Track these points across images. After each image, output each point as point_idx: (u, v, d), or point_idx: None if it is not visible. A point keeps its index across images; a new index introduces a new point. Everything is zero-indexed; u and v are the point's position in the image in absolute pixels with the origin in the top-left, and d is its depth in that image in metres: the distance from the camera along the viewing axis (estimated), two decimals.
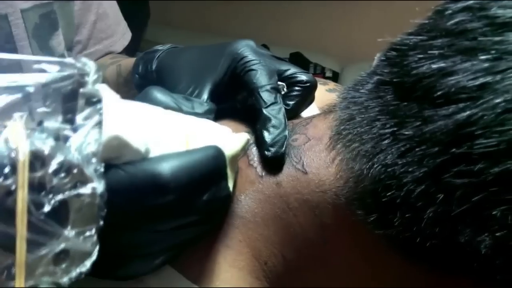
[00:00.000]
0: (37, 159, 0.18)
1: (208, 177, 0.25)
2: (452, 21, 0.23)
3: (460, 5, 0.24)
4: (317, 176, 0.28)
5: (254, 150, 0.31)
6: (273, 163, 0.30)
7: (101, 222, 0.20)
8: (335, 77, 1.20)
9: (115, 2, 0.68)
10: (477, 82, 0.21)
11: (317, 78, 0.48)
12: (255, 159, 0.30)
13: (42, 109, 0.20)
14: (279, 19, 1.25)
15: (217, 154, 0.25)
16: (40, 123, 0.19)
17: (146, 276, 0.27)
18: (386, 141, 0.24)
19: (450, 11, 0.24)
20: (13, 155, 0.17)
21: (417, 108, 0.23)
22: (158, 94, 0.29)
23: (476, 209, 0.21)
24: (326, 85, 0.46)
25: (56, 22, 0.55)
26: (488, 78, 0.21)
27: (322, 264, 0.29)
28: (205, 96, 0.32)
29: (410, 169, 0.23)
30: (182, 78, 0.34)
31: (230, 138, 0.27)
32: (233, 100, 0.35)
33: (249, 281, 0.29)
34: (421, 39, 0.25)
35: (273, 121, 0.30)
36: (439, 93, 0.22)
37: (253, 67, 0.32)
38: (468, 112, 0.21)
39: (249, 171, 0.30)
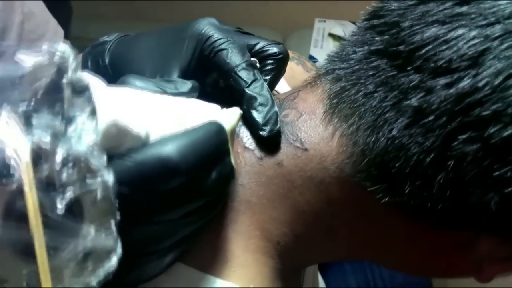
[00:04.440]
0: (40, 157, 0.16)
1: (214, 154, 0.24)
2: None
3: None
4: (318, 152, 0.27)
5: (247, 134, 0.30)
6: (270, 142, 0.29)
7: (118, 215, 0.19)
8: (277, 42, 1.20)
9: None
10: (478, 49, 0.21)
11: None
12: (250, 141, 0.29)
13: (24, 104, 0.18)
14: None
15: (219, 130, 0.24)
16: (27, 119, 0.18)
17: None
18: (388, 114, 0.24)
19: None
20: (12, 155, 0.15)
21: (418, 79, 0.23)
22: (137, 81, 0.26)
23: (485, 172, 0.22)
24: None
25: None
26: (488, 44, 0.21)
27: (331, 236, 0.29)
28: None
29: (418, 140, 0.23)
30: (144, 68, 0.31)
31: (224, 113, 0.26)
32: (203, 84, 0.33)
33: (263, 262, 0.29)
34: (410, 4, 0.25)
35: (259, 99, 0.29)
36: (439, 62, 0.22)
37: (222, 46, 0.30)
38: (471, 80, 0.21)
39: (247, 154, 0.29)
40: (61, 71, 0.19)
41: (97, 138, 0.19)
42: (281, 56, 0.32)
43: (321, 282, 0.61)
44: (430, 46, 0.23)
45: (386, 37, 0.25)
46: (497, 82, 0.21)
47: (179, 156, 0.21)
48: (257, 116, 0.29)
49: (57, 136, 0.17)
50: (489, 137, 0.21)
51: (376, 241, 0.29)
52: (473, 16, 0.22)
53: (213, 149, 0.23)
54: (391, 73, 0.24)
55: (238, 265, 0.28)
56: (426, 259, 0.29)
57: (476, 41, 0.22)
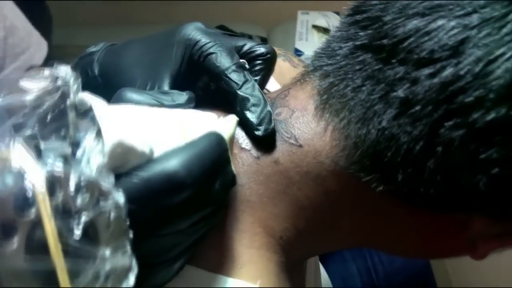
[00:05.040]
0: (54, 184, 0.16)
1: (217, 165, 0.24)
2: None
3: None
4: (312, 147, 0.28)
5: (242, 134, 0.30)
6: (266, 141, 0.29)
7: (131, 234, 0.19)
8: (263, 42, 1.20)
9: (20, 12, 0.61)
10: (457, 38, 0.22)
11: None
12: (246, 141, 0.30)
13: (32, 131, 0.18)
14: None
15: (219, 140, 0.25)
16: (36, 146, 0.18)
17: None
18: (377, 106, 0.25)
19: None
20: (29, 186, 0.15)
21: (402, 71, 0.24)
22: (134, 94, 0.27)
23: (472, 155, 0.22)
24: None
25: None
26: (467, 33, 0.22)
27: (331, 227, 0.30)
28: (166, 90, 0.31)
29: (407, 129, 0.23)
30: (135, 76, 0.31)
31: (221, 122, 0.27)
32: (194, 88, 0.33)
33: (268, 257, 0.29)
34: None
35: (252, 100, 0.29)
36: (421, 54, 0.23)
37: (211, 50, 0.30)
38: (453, 69, 0.22)
39: (244, 154, 0.30)
40: (64, 94, 0.19)
41: (104, 160, 0.19)
42: (269, 56, 0.33)
43: (322, 271, 0.62)
44: (412, 39, 0.23)
45: (370, 31, 0.26)
46: (477, 69, 0.22)
47: (185, 170, 0.22)
48: (251, 116, 0.29)
49: (68, 162, 0.17)
50: (473, 122, 0.22)
51: (374, 228, 0.30)
52: (451, 7, 0.23)
53: (215, 160, 0.24)
54: (376, 67, 0.25)
55: (244, 262, 0.28)
56: (423, 242, 0.30)
57: (455, 31, 0.22)
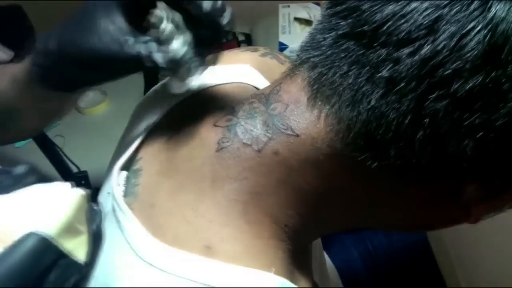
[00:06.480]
0: None
1: (37, 270, 0.24)
2: None
3: None
4: (308, 135, 0.30)
5: (242, 130, 0.31)
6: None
7: None
8: (247, 38, 1.21)
9: None
10: (431, 17, 0.24)
11: (247, 47, 0.48)
12: (248, 136, 0.31)
13: None
14: None
15: (37, 244, 0.25)
16: None
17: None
18: (364, 88, 0.26)
19: None
20: None
21: (385, 53, 0.25)
22: None
23: (457, 122, 0.24)
24: (258, 51, 0.46)
25: None
26: (439, 12, 0.24)
27: (331, 207, 0.32)
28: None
29: (394, 106, 0.25)
30: None
31: (59, 206, 0.26)
32: None
33: (277, 245, 0.31)
34: None
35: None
36: (400, 35, 0.25)
37: None
38: (431, 45, 0.24)
39: (246, 149, 0.31)
40: None
41: None
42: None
43: (326, 257, 0.64)
44: (390, 22, 0.25)
45: (350, 20, 0.27)
46: (452, 43, 0.23)
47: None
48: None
49: None
50: (454, 92, 0.24)
51: (373, 205, 0.32)
52: None
53: (34, 267, 0.24)
54: (360, 52, 0.27)
55: (256, 253, 0.30)
56: (420, 214, 0.32)
57: (429, 11, 0.24)
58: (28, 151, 1.03)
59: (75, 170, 0.99)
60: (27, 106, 0.38)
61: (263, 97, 0.32)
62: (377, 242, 0.75)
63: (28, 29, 1.17)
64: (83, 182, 1.00)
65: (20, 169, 0.27)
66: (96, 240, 0.30)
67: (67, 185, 0.27)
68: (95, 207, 0.32)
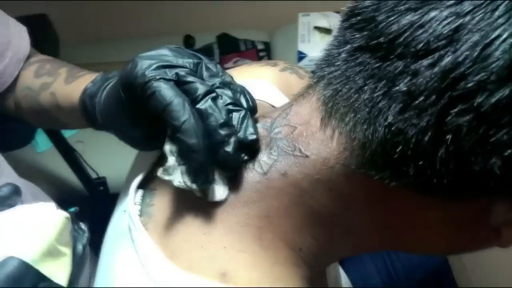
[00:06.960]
0: None
1: None
2: None
3: None
4: (319, 156, 0.29)
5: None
6: (253, 145, 0.31)
7: None
8: (267, 47, 1.20)
9: None
10: (451, 27, 0.22)
11: (267, 61, 0.47)
12: (250, 162, 0.31)
13: None
14: (201, 6, 1.22)
15: (18, 267, 0.24)
16: None
17: None
18: (381, 103, 0.25)
19: None
20: None
21: (402, 65, 0.24)
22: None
23: (483, 139, 0.22)
24: (277, 65, 0.45)
25: None
26: (460, 21, 0.22)
27: (348, 231, 0.31)
28: None
29: (413, 122, 0.23)
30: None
31: (41, 229, 0.26)
32: None
33: (293, 271, 0.30)
34: None
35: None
36: (418, 46, 0.23)
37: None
38: (451, 56, 0.22)
39: (251, 173, 0.31)
40: None
41: None
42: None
43: (341, 272, 0.62)
44: (407, 33, 0.24)
45: (365, 32, 0.26)
46: (475, 54, 0.22)
47: None
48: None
49: None
50: (479, 106, 0.22)
51: (391, 227, 0.30)
52: None
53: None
54: (376, 65, 0.25)
55: (273, 280, 0.29)
56: (445, 236, 0.30)
57: (449, 20, 0.23)
58: (48, 156, 1.05)
59: (94, 176, 1.01)
60: (77, 126, 0.47)
61: (268, 122, 0.32)
62: (396, 258, 0.72)
63: (53, 37, 1.20)
64: (101, 188, 1.01)
65: (4, 191, 0.28)
66: (80, 262, 0.31)
67: (51, 205, 0.27)
68: (82, 227, 0.32)
